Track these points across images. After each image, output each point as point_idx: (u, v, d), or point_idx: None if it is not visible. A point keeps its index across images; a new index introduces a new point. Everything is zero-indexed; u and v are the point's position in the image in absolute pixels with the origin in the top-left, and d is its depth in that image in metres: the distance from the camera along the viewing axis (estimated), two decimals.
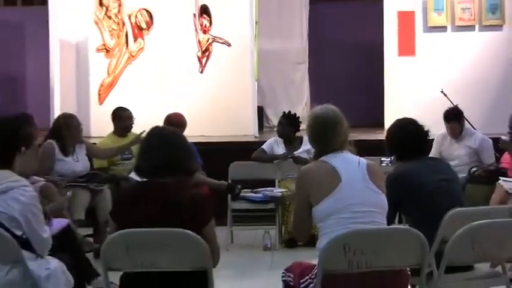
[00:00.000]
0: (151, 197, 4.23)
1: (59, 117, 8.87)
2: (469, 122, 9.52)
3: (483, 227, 4.43)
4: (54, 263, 4.67)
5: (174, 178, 4.29)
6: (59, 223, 5.44)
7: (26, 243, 4.57)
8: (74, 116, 8.80)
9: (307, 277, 4.33)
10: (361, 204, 4.32)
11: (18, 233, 4.52)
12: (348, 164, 4.44)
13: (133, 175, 6.81)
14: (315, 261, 4.31)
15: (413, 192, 5.13)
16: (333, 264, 4.11)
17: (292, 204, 4.60)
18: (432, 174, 5.23)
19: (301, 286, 4.37)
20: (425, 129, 5.46)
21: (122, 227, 4.18)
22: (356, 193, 4.35)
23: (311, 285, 4.26)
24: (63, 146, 8.35)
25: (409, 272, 4.34)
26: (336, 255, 4.09)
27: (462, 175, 8.45)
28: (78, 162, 8.47)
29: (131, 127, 9.35)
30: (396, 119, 5.59)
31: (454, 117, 9.28)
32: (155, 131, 4.61)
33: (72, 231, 5.85)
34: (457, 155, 9.17)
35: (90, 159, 8.86)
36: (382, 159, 8.43)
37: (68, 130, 8.39)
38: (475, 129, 9.63)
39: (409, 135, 5.36)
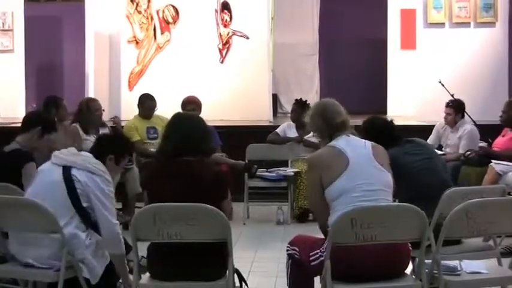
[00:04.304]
0: (177, 172, 4.24)
1: (83, 100, 8.85)
2: (468, 115, 9.48)
3: (477, 204, 4.42)
4: (96, 237, 4.62)
5: (194, 157, 4.30)
6: None
7: (85, 215, 4.54)
8: (95, 101, 8.78)
9: (317, 250, 4.31)
10: (367, 184, 4.32)
11: (85, 204, 4.51)
12: (354, 146, 4.45)
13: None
14: (317, 235, 4.38)
15: (400, 174, 5.04)
16: (341, 237, 4.09)
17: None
18: (413, 156, 5.43)
19: (311, 259, 4.35)
20: (389, 119, 5.80)
21: (152, 198, 4.19)
22: (363, 173, 4.35)
23: (321, 258, 4.24)
24: (84, 126, 8.33)
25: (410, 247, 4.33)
26: (344, 229, 4.07)
27: (455, 162, 8.74)
28: None
29: (151, 115, 9.17)
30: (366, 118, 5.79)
31: (451, 104, 9.35)
32: (176, 117, 4.65)
33: None
34: (450, 144, 9.28)
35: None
36: None
37: (88, 112, 8.39)
38: (472, 119, 9.58)
39: (380, 127, 5.58)
